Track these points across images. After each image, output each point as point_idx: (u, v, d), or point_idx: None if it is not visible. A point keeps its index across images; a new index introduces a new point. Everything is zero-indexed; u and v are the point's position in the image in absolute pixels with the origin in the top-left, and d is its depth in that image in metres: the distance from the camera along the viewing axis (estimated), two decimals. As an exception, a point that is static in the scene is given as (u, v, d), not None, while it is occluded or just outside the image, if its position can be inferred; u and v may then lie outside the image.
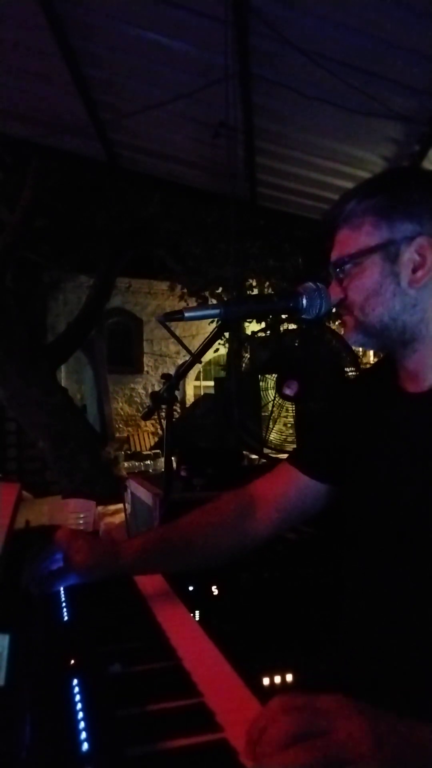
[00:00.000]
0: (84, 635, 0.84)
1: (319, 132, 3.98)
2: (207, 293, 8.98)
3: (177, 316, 1.31)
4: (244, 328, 5.69)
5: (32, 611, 0.92)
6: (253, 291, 8.84)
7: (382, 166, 4.18)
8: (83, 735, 0.57)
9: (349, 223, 0.98)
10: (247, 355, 2.75)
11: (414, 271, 0.94)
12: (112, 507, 4.75)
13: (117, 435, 13.11)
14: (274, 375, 2.47)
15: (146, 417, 1.54)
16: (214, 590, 1.58)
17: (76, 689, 0.66)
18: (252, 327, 6.78)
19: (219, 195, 4.83)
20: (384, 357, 1.09)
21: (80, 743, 0.56)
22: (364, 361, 8.98)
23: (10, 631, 0.76)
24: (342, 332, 1.04)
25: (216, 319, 1.33)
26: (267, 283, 8.73)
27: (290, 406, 2.49)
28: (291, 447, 2.52)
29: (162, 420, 1.47)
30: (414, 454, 0.94)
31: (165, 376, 1.46)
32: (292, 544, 1.83)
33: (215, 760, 0.57)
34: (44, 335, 11.09)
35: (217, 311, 1.30)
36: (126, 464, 10.21)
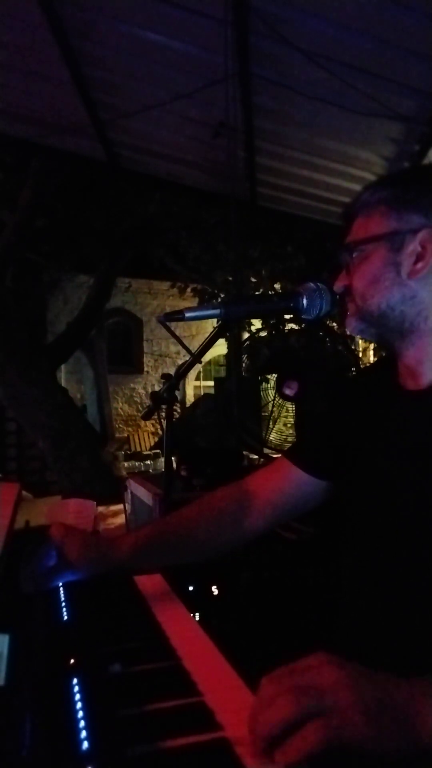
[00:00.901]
0: (84, 635, 0.84)
1: (319, 132, 3.98)
2: (213, 291, 8.96)
3: (177, 316, 1.31)
4: (244, 328, 5.69)
5: (32, 611, 0.92)
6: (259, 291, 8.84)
7: (382, 166, 4.18)
8: (83, 735, 0.57)
9: (363, 212, 1.00)
10: (247, 355, 2.76)
11: (415, 262, 0.94)
12: (114, 507, 4.75)
13: (117, 435, 13.11)
14: (274, 375, 2.47)
15: (146, 417, 1.54)
16: (214, 590, 1.58)
17: (76, 689, 0.66)
18: (252, 327, 6.78)
19: (219, 195, 4.83)
20: (384, 356, 1.10)
21: (80, 743, 0.56)
22: (364, 360, 8.99)
23: (10, 631, 0.76)
24: (342, 332, 1.03)
25: (216, 319, 1.33)
26: (269, 284, 8.73)
27: (290, 406, 2.49)
28: (291, 447, 2.52)
29: (162, 420, 1.47)
30: (413, 451, 0.95)
31: (165, 376, 1.46)
32: (292, 543, 1.83)
33: (215, 760, 0.57)
34: (44, 335, 11.08)
35: (217, 311, 1.30)
36: (126, 464, 10.21)
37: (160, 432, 10.71)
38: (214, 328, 1.37)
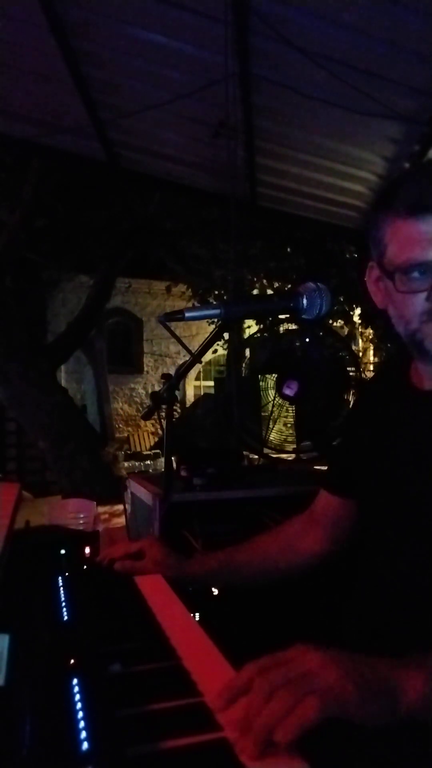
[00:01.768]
0: (84, 635, 0.84)
1: (319, 132, 3.98)
2: (213, 292, 8.97)
3: (177, 316, 1.31)
4: (243, 329, 5.70)
5: (32, 611, 0.92)
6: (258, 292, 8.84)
7: (382, 166, 4.18)
8: (83, 735, 0.57)
9: None
10: (247, 355, 2.76)
11: None
12: (114, 507, 4.75)
13: (117, 435, 13.12)
14: (274, 375, 2.47)
15: (146, 417, 1.54)
16: (214, 590, 1.58)
17: (76, 689, 0.65)
18: (252, 327, 6.78)
19: (219, 195, 4.83)
20: (393, 356, 1.10)
21: (80, 743, 0.56)
22: (364, 360, 9.00)
23: (10, 631, 0.76)
24: (343, 333, 1.02)
25: (216, 319, 1.33)
26: (272, 284, 8.74)
27: (290, 406, 2.49)
28: (291, 447, 2.52)
29: (162, 420, 1.46)
30: (427, 448, 0.95)
31: (165, 376, 1.46)
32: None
33: (215, 760, 0.57)
34: (44, 335, 11.09)
35: (217, 311, 1.30)
36: (126, 464, 10.22)
37: (160, 432, 10.72)
38: (215, 328, 1.37)
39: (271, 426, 2.51)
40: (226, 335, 4.60)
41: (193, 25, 3.21)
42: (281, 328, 2.96)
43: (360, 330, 9.10)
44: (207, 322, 1.38)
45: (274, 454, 2.54)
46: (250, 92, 3.67)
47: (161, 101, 3.86)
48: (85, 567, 1.17)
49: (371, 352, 9.26)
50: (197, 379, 14.05)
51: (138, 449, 12.60)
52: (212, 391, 10.16)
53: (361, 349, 9.13)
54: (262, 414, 2.56)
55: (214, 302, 7.56)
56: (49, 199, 7.56)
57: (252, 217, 5.96)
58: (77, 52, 3.64)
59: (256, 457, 2.97)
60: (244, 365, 2.81)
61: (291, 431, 2.51)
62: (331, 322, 7.97)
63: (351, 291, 7.23)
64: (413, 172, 0.95)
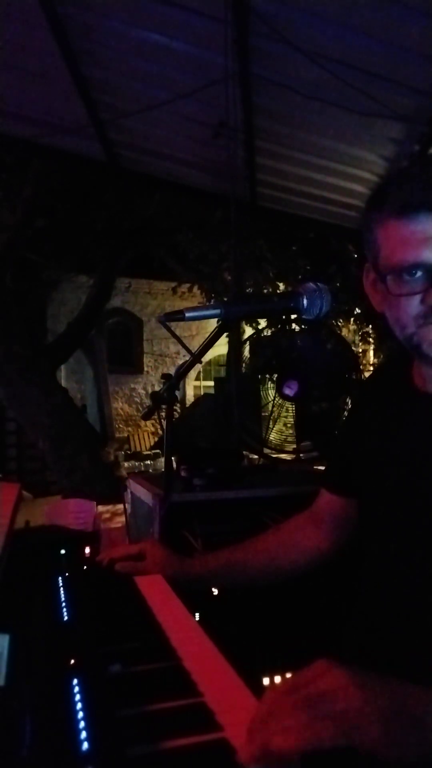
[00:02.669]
0: (84, 635, 0.84)
1: (319, 132, 3.98)
2: (214, 291, 8.96)
3: (177, 316, 1.31)
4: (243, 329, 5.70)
5: (32, 611, 0.92)
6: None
7: (382, 166, 4.18)
8: (83, 735, 0.57)
9: None
10: (247, 355, 2.75)
11: None
12: (114, 507, 4.75)
13: (117, 435, 13.12)
14: (274, 375, 2.47)
15: (146, 417, 1.54)
16: (214, 590, 1.58)
17: (76, 689, 0.65)
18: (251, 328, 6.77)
19: (219, 195, 4.83)
20: (392, 357, 1.09)
21: (80, 743, 0.56)
22: (364, 360, 8.99)
23: (10, 631, 0.76)
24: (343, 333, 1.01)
25: (216, 319, 1.33)
26: (275, 285, 8.73)
27: (290, 406, 2.49)
28: (291, 447, 2.52)
29: (162, 420, 1.46)
30: (429, 450, 0.94)
31: (165, 376, 1.46)
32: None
33: (215, 760, 0.57)
34: (44, 335, 11.09)
35: (217, 311, 1.30)
36: (126, 464, 10.22)
37: (160, 432, 10.71)
38: (215, 328, 1.37)
39: (271, 426, 2.51)
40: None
41: (193, 25, 3.21)
42: (281, 328, 2.96)
43: (361, 330, 9.09)
44: (207, 321, 1.38)
45: (274, 454, 2.54)
46: (250, 92, 3.67)
47: (161, 101, 3.85)
48: (85, 567, 1.17)
49: (371, 353, 9.25)
50: (197, 379, 14.04)
51: (138, 449, 12.60)
52: (212, 391, 10.14)
53: (361, 349, 9.13)
54: (262, 414, 2.56)
55: (214, 302, 7.55)
56: (49, 199, 7.55)
57: (252, 217, 5.96)
58: (77, 52, 3.64)
59: (256, 457, 2.97)
60: (244, 365, 2.81)
61: (291, 431, 2.51)
62: (334, 322, 7.98)
63: (353, 290, 7.23)
64: (403, 172, 0.93)
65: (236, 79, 3.44)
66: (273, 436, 2.50)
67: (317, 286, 1.25)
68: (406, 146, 3.91)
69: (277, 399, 2.46)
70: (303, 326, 2.62)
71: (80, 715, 0.61)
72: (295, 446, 2.51)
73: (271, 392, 2.49)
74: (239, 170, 4.39)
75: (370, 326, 8.58)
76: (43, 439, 6.69)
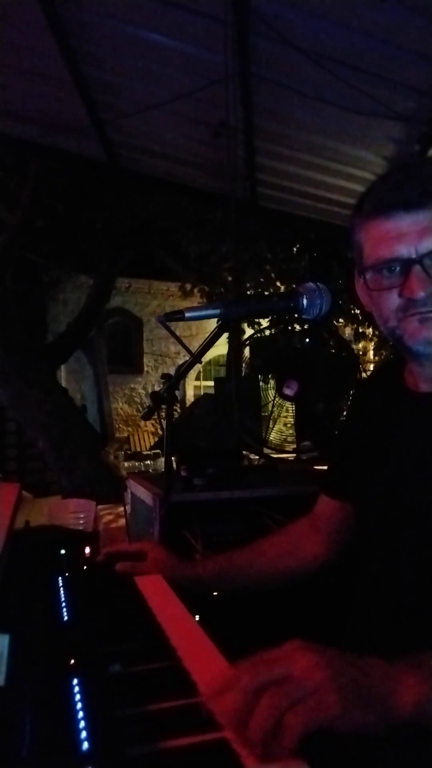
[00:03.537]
0: (84, 635, 0.84)
1: (319, 132, 3.98)
2: (216, 291, 8.96)
3: (177, 316, 1.31)
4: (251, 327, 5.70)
5: (32, 611, 0.92)
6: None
7: (383, 166, 4.18)
8: (83, 735, 0.57)
9: None
10: (247, 355, 2.75)
11: None
12: (114, 507, 4.74)
13: (117, 435, 13.12)
14: (274, 375, 2.47)
15: (146, 417, 1.54)
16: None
17: (76, 689, 0.65)
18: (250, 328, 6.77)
19: (219, 195, 4.83)
20: (388, 361, 1.10)
21: (80, 743, 0.56)
22: (365, 359, 8.99)
23: (10, 631, 0.76)
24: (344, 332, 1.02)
25: (216, 319, 1.33)
26: (277, 285, 8.72)
27: (290, 406, 2.49)
28: (291, 447, 2.52)
29: (162, 420, 1.46)
30: (422, 451, 0.95)
31: (165, 376, 1.46)
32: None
33: (215, 760, 0.57)
34: (44, 335, 11.09)
35: (217, 311, 1.30)
36: (126, 464, 10.21)
37: (160, 432, 10.72)
38: (215, 328, 1.37)
39: (271, 426, 2.51)
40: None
41: (193, 25, 3.21)
42: (281, 328, 2.97)
43: (361, 329, 9.10)
44: (207, 321, 1.38)
45: (274, 454, 2.54)
46: (250, 92, 3.67)
47: (161, 101, 3.86)
48: (85, 567, 1.17)
49: (371, 353, 9.25)
50: (197, 379, 14.04)
51: (138, 449, 12.60)
52: (212, 391, 10.15)
53: (361, 348, 9.13)
54: (262, 414, 2.56)
55: (215, 302, 7.55)
56: (49, 200, 7.55)
57: (252, 217, 5.96)
58: (77, 52, 3.64)
59: (256, 457, 2.97)
60: (244, 365, 2.81)
61: (291, 431, 2.51)
62: (335, 321, 7.98)
63: (354, 290, 7.22)
64: (381, 176, 0.95)
65: (236, 79, 3.44)
66: (273, 436, 2.50)
67: (317, 286, 1.25)
68: (406, 146, 3.91)
69: (277, 399, 2.46)
70: (303, 326, 2.62)
71: (80, 715, 0.61)
72: (295, 446, 2.52)
73: (271, 392, 2.49)
74: (239, 170, 4.39)
75: (371, 327, 8.58)
76: (43, 439, 6.69)
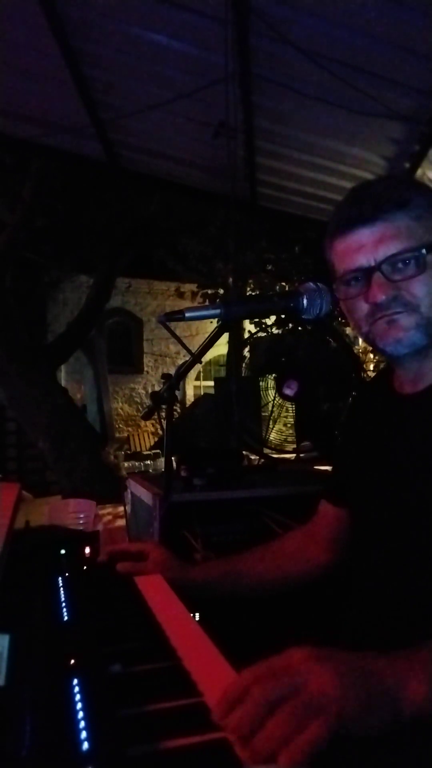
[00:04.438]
0: (84, 635, 0.84)
1: (319, 132, 3.98)
2: (213, 291, 8.96)
3: (177, 316, 1.31)
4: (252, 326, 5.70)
5: (32, 611, 0.92)
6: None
7: (382, 166, 4.18)
8: (83, 735, 0.57)
9: (409, 212, 0.93)
10: (248, 355, 2.75)
11: None
12: (114, 508, 4.74)
13: (117, 435, 13.11)
14: (274, 375, 2.47)
15: (146, 417, 1.54)
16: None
17: (76, 689, 0.65)
18: (252, 327, 6.77)
19: (219, 195, 4.83)
20: (384, 367, 1.12)
21: (80, 743, 0.56)
22: (366, 359, 8.99)
23: (10, 631, 0.76)
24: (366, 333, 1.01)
25: (216, 319, 1.33)
26: (277, 285, 8.72)
27: (290, 406, 2.48)
28: (291, 447, 2.52)
29: (162, 420, 1.46)
30: (412, 452, 0.96)
31: (165, 376, 1.46)
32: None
33: (215, 760, 0.57)
34: (44, 335, 11.09)
35: (217, 311, 1.30)
36: (126, 464, 10.21)
37: (160, 432, 10.71)
38: (215, 328, 1.37)
39: (271, 426, 2.51)
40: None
41: (193, 25, 3.21)
42: (281, 328, 2.97)
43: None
44: (207, 321, 1.38)
45: (274, 454, 2.54)
46: (250, 92, 3.67)
47: (161, 101, 3.86)
48: (85, 567, 1.17)
49: (371, 353, 9.25)
50: (197, 379, 14.04)
51: (138, 449, 12.60)
52: (212, 391, 10.14)
53: (361, 348, 9.13)
54: (262, 414, 2.55)
55: (216, 302, 7.55)
56: (50, 199, 7.55)
57: (252, 217, 5.96)
58: (77, 52, 3.64)
59: (256, 457, 2.97)
60: (244, 365, 2.81)
61: (291, 431, 2.51)
62: (336, 321, 7.97)
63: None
64: (343, 199, 1.01)
65: (236, 79, 3.44)
66: (273, 436, 2.50)
67: (317, 285, 1.25)
68: (406, 146, 3.91)
69: (277, 399, 2.46)
70: (304, 326, 2.62)
71: (80, 715, 0.61)
72: (295, 446, 2.51)
73: (271, 392, 2.48)
74: (239, 170, 4.39)
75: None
76: (43, 439, 6.69)
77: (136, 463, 10.41)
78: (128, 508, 2.36)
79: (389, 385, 1.07)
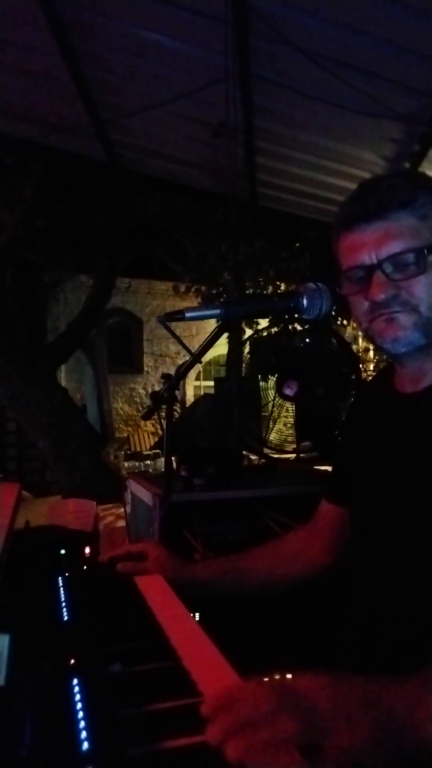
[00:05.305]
0: (84, 635, 0.84)
1: (319, 132, 3.98)
2: (211, 291, 8.95)
3: (177, 316, 1.31)
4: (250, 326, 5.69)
5: (32, 611, 0.92)
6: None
7: (382, 166, 4.18)
8: (83, 735, 0.57)
9: (414, 211, 0.92)
10: (247, 355, 2.75)
11: None
12: (113, 508, 4.74)
13: (117, 435, 13.11)
14: (274, 375, 2.47)
15: (146, 417, 1.54)
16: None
17: (76, 689, 0.65)
18: (252, 327, 6.76)
19: (219, 195, 4.83)
20: (385, 367, 1.12)
21: (80, 743, 0.56)
22: (366, 358, 8.99)
23: (10, 631, 0.76)
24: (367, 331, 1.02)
25: (216, 319, 1.33)
26: (278, 285, 8.71)
27: (290, 406, 2.48)
28: (291, 447, 2.52)
29: (162, 420, 1.46)
30: (413, 451, 0.96)
31: (165, 376, 1.45)
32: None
33: (215, 760, 0.57)
34: (44, 335, 11.08)
35: (217, 311, 1.30)
36: (126, 464, 10.21)
37: (160, 432, 10.71)
38: (215, 328, 1.37)
39: (271, 426, 2.51)
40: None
41: (193, 25, 3.21)
42: (280, 328, 2.96)
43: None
44: (208, 321, 1.38)
45: (274, 454, 2.54)
46: (250, 92, 3.67)
47: (161, 101, 3.86)
48: (85, 567, 1.17)
49: (371, 353, 9.25)
50: (197, 379, 14.04)
51: (138, 449, 12.59)
52: (212, 391, 10.14)
53: (361, 348, 9.13)
54: (262, 414, 2.55)
55: (216, 302, 7.54)
56: (50, 199, 7.54)
57: (252, 217, 5.96)
58: (77, 52, 3.64)
59: (256, 457, 2.97)
60: (244, 365, 2.80)
61: (291, 431, 2.51)
62: (340, 320, 7.98)
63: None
64: (349, 195, 1.02)
65: (236, 79, 3.44)
66: (273, 436, 2.50)
67: (317, 285, 1.24)
68: (406, 146, 3.92)
69: (277, 399, 2.46)
70: (304, 326, 2.62)
71: (80, 715, 0.61)
72: (295, 446, 2.51)
73: (271, 392, 2.48)
74: (239, 170, 4.39)
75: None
76: (43, 439, 6.69)
77: (136, 463, 10.41)
78: (128, 508, 2.36)
79: (390, 385, 1.07)
